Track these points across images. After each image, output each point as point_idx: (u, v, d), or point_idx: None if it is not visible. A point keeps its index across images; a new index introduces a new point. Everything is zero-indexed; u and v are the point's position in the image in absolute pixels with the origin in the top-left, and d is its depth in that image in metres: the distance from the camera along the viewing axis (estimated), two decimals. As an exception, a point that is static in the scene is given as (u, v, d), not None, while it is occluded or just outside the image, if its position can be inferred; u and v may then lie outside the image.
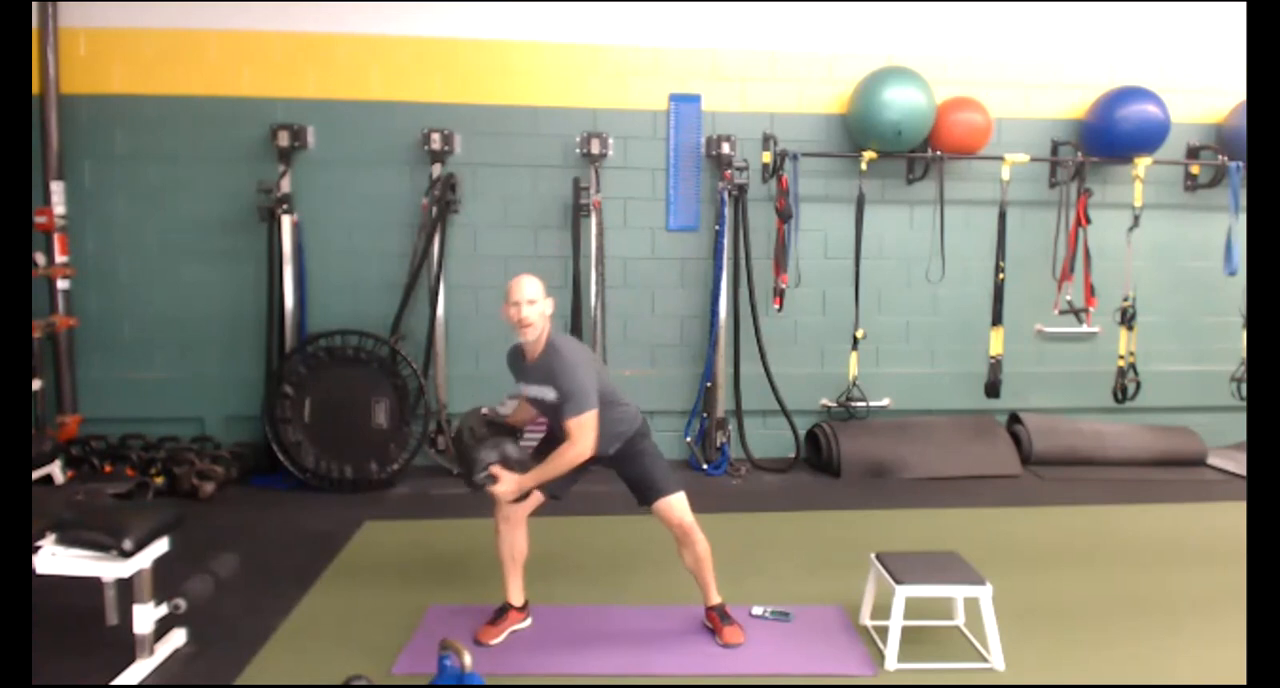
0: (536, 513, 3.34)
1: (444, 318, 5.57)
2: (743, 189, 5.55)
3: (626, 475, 3.29)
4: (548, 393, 3.13)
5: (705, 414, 5.77)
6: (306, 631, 3.34)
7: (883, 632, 3.16)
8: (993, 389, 5.75)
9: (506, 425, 3.35)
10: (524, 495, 3.18)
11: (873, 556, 3.33)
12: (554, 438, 3.24)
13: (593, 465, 3.33)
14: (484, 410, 3.35)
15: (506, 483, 3.06)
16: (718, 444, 5.70)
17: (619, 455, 3.25)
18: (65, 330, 5.31)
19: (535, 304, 3.07)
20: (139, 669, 2.92)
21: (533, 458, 3.17)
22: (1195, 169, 6.03)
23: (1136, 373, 5.87)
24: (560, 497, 3.34)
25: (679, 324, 5.87)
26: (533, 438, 5.48)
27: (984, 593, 3.06)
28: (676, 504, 3.20)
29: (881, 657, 3.10)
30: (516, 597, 3.33)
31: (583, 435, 3.03)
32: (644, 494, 3.25)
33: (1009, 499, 5.15)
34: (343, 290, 5.57)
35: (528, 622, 3.35)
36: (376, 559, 4.09)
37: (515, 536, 3.29)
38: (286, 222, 5.33)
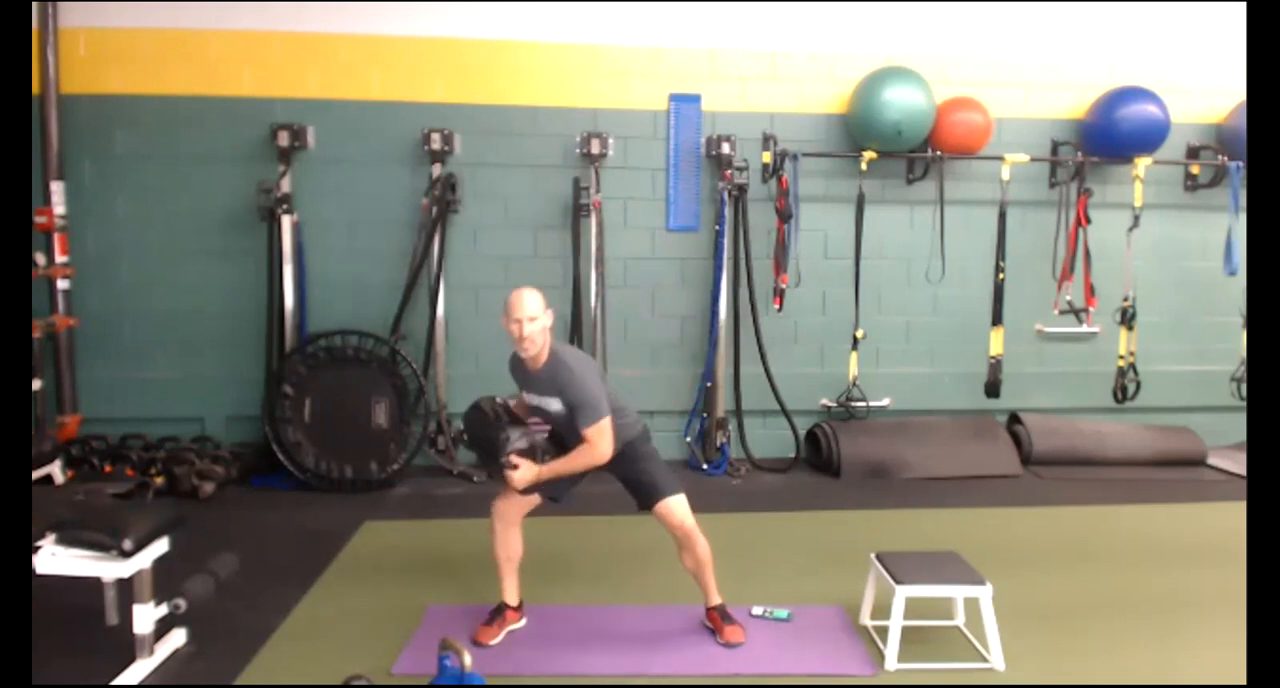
0: (535, 513, 3.34)
1: (444, 318, 5.57)
2: (743, 189, 5.55)
3: (626, 478, 3.29)
4: (552, 404, 3.13)
5: (705, 414, 5.77)
6: (306, 631, 3.34)
7: (883, 632, 3.16)
8: (993, 389, 5.75)
9: (517, 415, 3.33)
10: (529, 488, 3.18)
11: (873, 556, 3.33)
12: (557, 438, 3.24)
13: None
14: (498, 400, 3.31)
15: (525, 471, 3.07)
16: (718, 444, 5.70)
17: (619, 458, 3.24)
18: (65, 330, 5.31)
19: (536, 320, 3.05)
20: (139, 669, 2.92)
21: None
22: (1195, 169, 6.03)
23: (1136, 373, 5.87)
24: (559, 499, 3.34)
25: (679, 324, 5.87)
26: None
27: (984, 593, 3.06)
28: (677, 506, 3.20)
29: (881, 657, 3.10)
30: (512, 597, 3.33)
31: (601, 441, 3.07)
32: (645, 497, 3.25)
33: (1009, 499, 5.15)
34: (343, 290, 5.57)
35: (523, 621, 3.35)
36: (376, 559, 4.09)
37: (510, 536, 3.29)
38: (286, 221, 5.33)
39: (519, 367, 3.24)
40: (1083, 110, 5.91)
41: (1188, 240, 6.11)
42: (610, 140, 5.61)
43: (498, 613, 3.29)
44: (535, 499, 3.27)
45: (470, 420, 3.25)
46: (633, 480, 3.28)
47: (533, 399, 3.22)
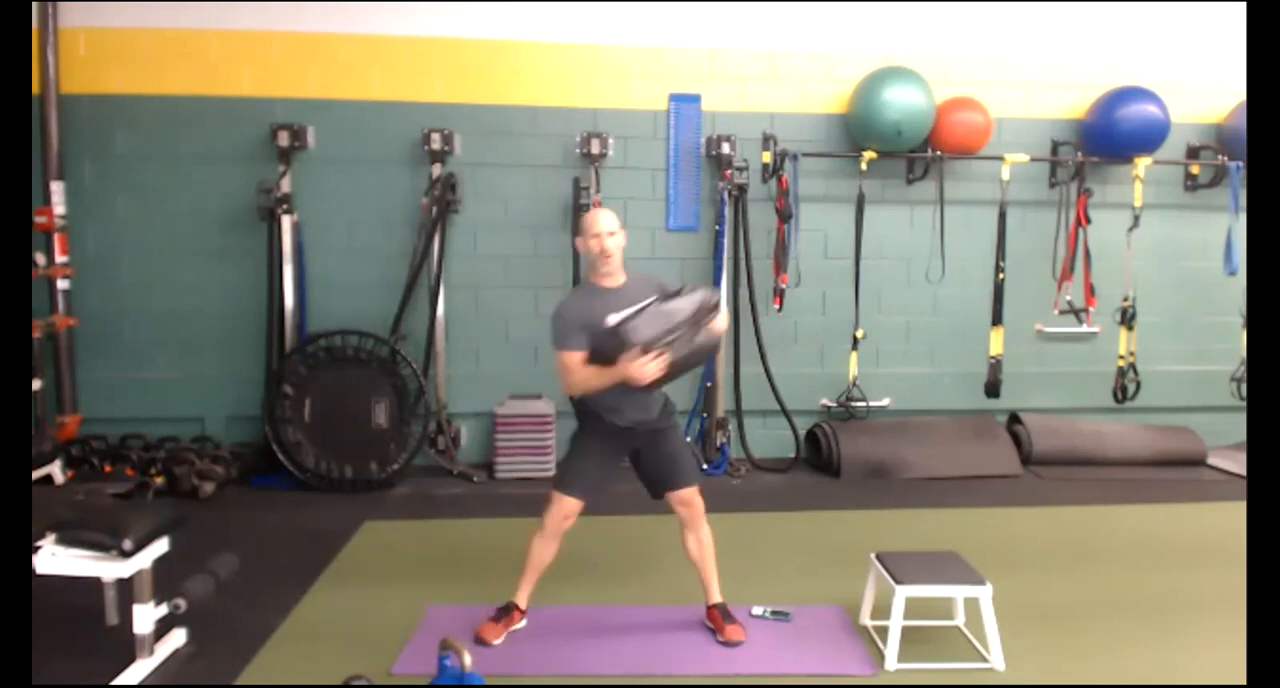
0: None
1: (444, 318, 5.57)
2: (743, 189, 5.55)
3: (657, 455, 3.28)
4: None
5: (705, 414, 5.77)
6: (306, 631, 3.34)
7: (883, 632, 3.16)
8: (993, 389, 5.75)
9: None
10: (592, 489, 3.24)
11: (873, 556, 3.33)
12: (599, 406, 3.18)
13: (631, 441, 3.30)
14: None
15: (719, 319, 3.16)
16: (718, 444, 5.70)
17: (656, 432, 3.25)
18: (65, 330, 5.31)
19: (615, 235, 3.12)
20: (139, 669, 2.92)
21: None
22: (1195, 169, 6.03)
23: (1136, 373, 5.87)
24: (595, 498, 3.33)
25: (679, 324, 5.86)
26: (526, 437, 5.49)
27: (984, 593, 3.06)
28: (694, 491, 3.27)
29: (881, 657, 3.10)
30: (524, 599, 3.33)
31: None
32: (672, 478, 3.26)
33: (1009, 499, 5.15)
34: (343, 290, 5.56)
35: (524, 622, 3.35)
36: (376, 559, 4.09)
37: (553, 546, 3.29)
38: (286, 221, 5.33)
39: (592, 300, 3.15)
40: (1083, 110, 5.91)
41: (1188, 240, 6.11)
42: (610, 140, 5.60)
43: (505, 612, 3.29)
44: (580, 505, 3.24)
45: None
46: (664, 459, 3.28)
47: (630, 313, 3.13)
